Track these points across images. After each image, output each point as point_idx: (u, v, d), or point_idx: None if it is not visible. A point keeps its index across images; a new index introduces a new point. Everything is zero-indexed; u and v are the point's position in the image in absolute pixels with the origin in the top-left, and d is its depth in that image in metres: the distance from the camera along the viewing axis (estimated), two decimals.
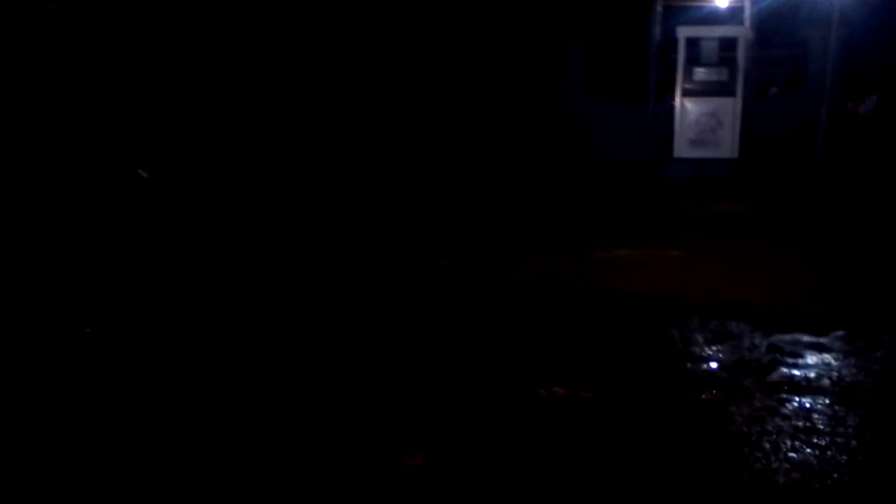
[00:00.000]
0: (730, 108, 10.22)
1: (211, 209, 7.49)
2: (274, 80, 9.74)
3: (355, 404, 3.55)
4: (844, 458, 3.02)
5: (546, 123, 10.89)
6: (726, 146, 10.15)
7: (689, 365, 4.03)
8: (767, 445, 3.11)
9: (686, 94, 10.35)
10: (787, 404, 3.51)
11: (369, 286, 5.61)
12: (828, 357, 4.11)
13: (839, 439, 3.17)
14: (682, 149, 10.30)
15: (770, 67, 11.87)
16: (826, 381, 3.77)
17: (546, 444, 3.13)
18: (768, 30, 11.09)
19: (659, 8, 11.06)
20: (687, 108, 10.32)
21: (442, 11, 10.52)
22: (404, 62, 10.61)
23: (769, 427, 3.28)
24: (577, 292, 5.34)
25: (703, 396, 3.62)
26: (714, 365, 4.02)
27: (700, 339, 4.39)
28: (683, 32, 10.43)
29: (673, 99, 10.50)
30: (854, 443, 3.14)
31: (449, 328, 4.64)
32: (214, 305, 5.12)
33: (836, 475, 2.88)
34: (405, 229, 7.62)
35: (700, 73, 10.33)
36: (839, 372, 3.89)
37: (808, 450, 3.08)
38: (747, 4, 10.66)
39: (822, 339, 4.34)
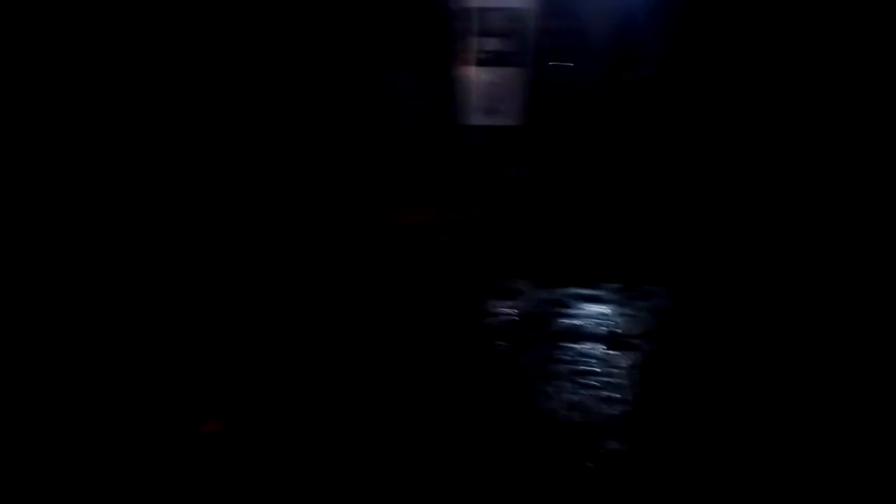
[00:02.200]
0: (519, 77, 10.71)
1: None
2: None
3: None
4: (617, 395, 3.32)
5: (339, 96, 10.78)
6: (517, 115, 10.64)
7: (479, 319, 4.22)
8: (550, 388, 3.35)
9: (477, 63, 10.70)
10: (567, 351, 3.79)
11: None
12: (602, 307, 4.47)
13: (612, 380, 3.48)
14: (473, 117, 10.66)
15: (557, 37, 12.44)
16: (600, 329, 4.11)
17: (345, 399, 3.18)
18: (555, 2, 11.63)
19: None
20: (478, 78, 10.69)
21: None
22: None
23: (551, 372, 3.53)
24: (372, 255, 5.40)
25: (493, 347, 3.82)
26: (502, 318, 4.24)
27: (489, 295, 4.60)
28: (474, 2, 10.73)
29: (465, 68, 10.79)
30: (625, 382, 3.46)
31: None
32: None
33: (608, 411, 3.17)
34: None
35: (490, 43, 10.72)
36: (612, 320, 4.25)
37: (585, 390, 3.35)
38: None
39: (598, 292, 4.72)
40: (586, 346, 3.87)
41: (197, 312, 4.20)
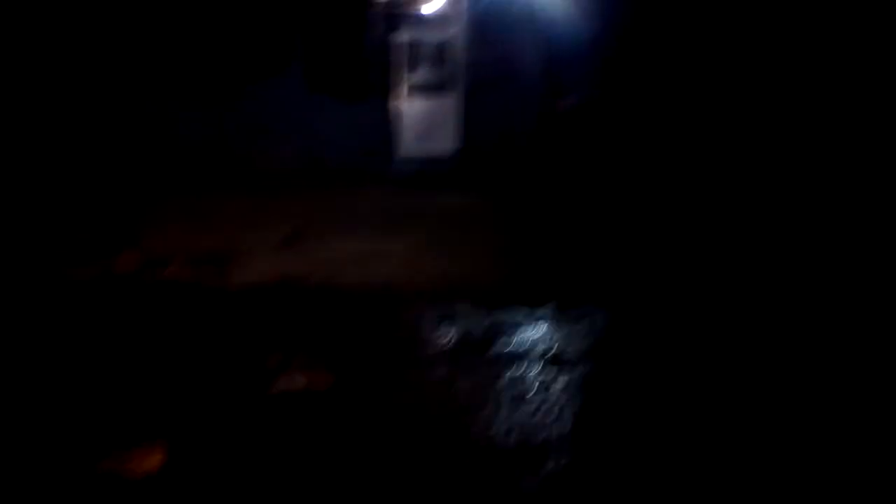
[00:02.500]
0: (450, 106, 10.86)
1: None
2: None
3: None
4: (554, 415, 3.36)
5: (269, 123, 10.73)
6: (448, 143, 10.77)
7: (419, 346, 4.23)
8: (489, 411, 3.38)
9: (409, 93, 10.82)
10: (506, 373, 3.82)
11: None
12: (540, 327, 4.52)
13: (550, 400, 3.52)
14: (406, 146, 10.75)
15: (487, 67, 12.66)
16: (539, 349, 4.16)
17: (286, 431, 3.15)
18: (483, 32, 11.85)
19: (379, 11, 11.40)
20: (410, 107, 10.80)
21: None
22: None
23: (490, 395, 3.56)
24: (311, 287, 5.37)
25: (433, 374, 3.82)
26: (442, 343, 4.26)
27: (429, 321, 4.62)
28: (403, 36, 10.89)
29: (397, 98, 10.89)
30: (562, 401, 3.51)
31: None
32: None
33: (546, 432, 3.21)
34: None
35: (421, 73, 10.87)
36: (550, 340, 4.31)
37: (523, 412, 3.39)
38: (461, 9, 11.35)
39: (536, 312, 4.78)
40: (523, 367, 3.91)
41: None
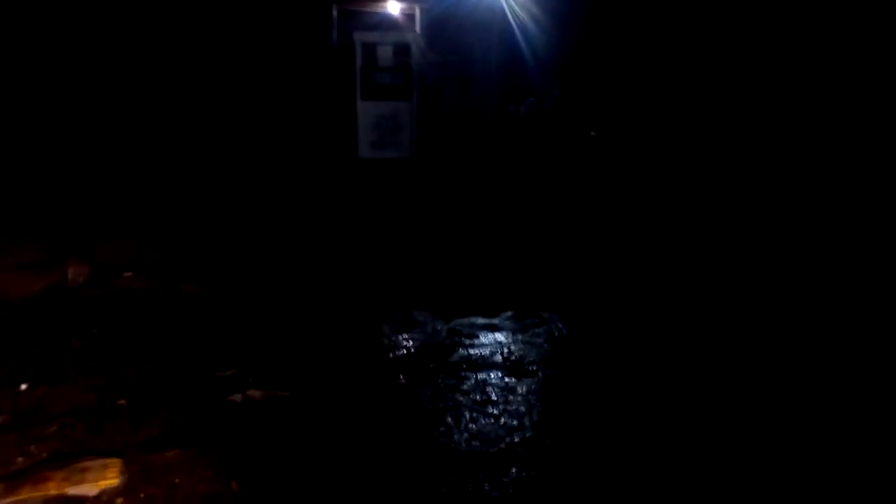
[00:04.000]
0: (406, 110, 10.84)
1: None
2: None
3: None
4: (515, 422, 3.38)
5: (222, 129, 10.60)
6: (405, 147, 10.75)
7: (378, 355, 4.22)
8: (450, 419, 3.39)
9: (365, 97, 10.76)
10: (466, 381, 3.84)
11: None
12: (499, 335, 4.55)
13: (510, 407, 3.55)
14: (364, 150, 10.70)
15: (444, 71, 12.68)
16: (498, 357, 4.19)
17: (246, 443, 3.11)
18: (439, 36, 11.87)
19: (334, 13, 11.34)
20: (366, 112, 10.75)
21: None
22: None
23: (451, 403, 3.57)
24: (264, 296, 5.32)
25: (393, 383, 3.82)
26: (401, 353, 4.25)
27: (388, 330, 4.61)
28: (359, 38, 10.82)
29: (354, 102, 10.84)
30: (522, 409, 3.53)
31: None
32: None
33: (508, 439, 3.23)
34: None
35: (377, 77, 10.81)
36: (509, 347, 4.34)
37: (484, 419, 3.41)
38: (418, 12, 11.34)
39: (494, 320, 4.81)
40: (483, 375, 3.93)
41: None
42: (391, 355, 4.22)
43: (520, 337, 4.54)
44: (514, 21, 11.50)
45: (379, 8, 11.86)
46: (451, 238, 7.26)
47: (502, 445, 3.18)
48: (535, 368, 4.04)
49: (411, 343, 4.40)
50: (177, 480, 2.85)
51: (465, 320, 4.80)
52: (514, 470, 2.98)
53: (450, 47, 12.19)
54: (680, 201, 8.11)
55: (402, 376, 3.90)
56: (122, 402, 3.50)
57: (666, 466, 3.06)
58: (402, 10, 11.80)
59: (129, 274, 5.54)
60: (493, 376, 3.92)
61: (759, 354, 4.29)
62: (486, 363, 4.10)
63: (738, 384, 3.88)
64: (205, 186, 8.81)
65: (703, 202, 7.98)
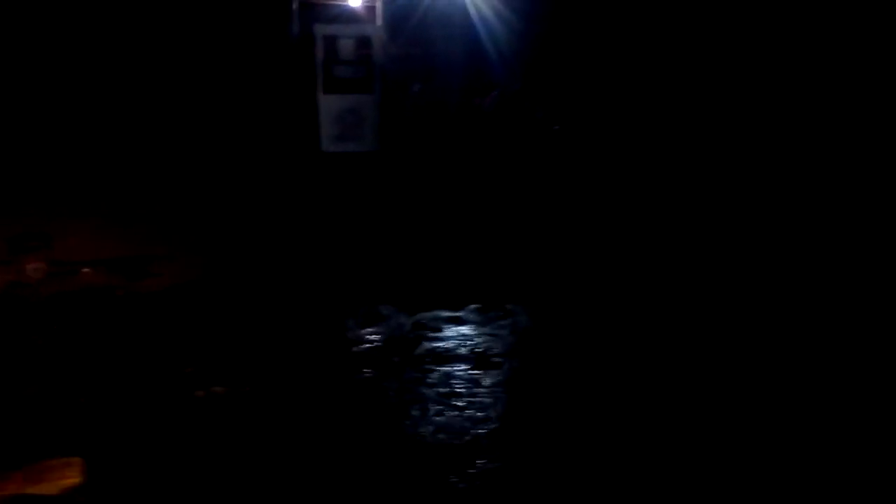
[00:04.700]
0: (369, 103, 10.77)
1: None
2: None
3: None
4: (480, 414, 3.41)
5: (180, 121, 10.43)
6: (368, 141, 10.69)
7: (343, 349, 4.22)
8: (416, 412, 3.40)
9: (327, 90, 10.66)
10: (432, 374, 3.86)
11: None
12: (464, 328, 4.57)
13: (476, 399, 3.57)
14: (327, 144, 10.62)
15: (407, 64, 12.61)
16: (463, 350, 4.21)
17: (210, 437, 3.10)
18: (402, 29, 11.81)
19: (294, 5, 11.23)
20: (329, 105, 10.66)
21: None
22: None
23: (417, 396, 3.58)
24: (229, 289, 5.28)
25: (358, 376, 3.83)
26: (366, 346, 4.26)
27: (352, 324, 4.61)
28: (320, 30, 10.72)
29: (315, 95, 10.75)
30: (488, 400, 3.56)
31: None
32: None
33: (473, 431, 3.25)
34: None
35: (339, 70, 10.73)
36: (474, 340, 4.36)
37: (450, 412, 3.43)
38: (379, 4, 11.27)
39: (459, 313, 4.83)
40: (448, 367, 3.95)
41: None
42: (355, 349, 4.22)
43: (485, 329, 4.56)
44: (477, 15, 11.48)
45: (340, 0, 11.75)
46: (415, 232, 7.25)
47: (468, 437, 3.19)
48: (500, 360, 4.07)
49: (376, 337, 4.40)
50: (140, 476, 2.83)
51: (430, 314, 4.81)
52: (480, 461, 3.00)
53: (412, 40, 12.14)
54: (641, 192, 8.20)
55: (366, 370, 3.90)
56: (83, 399, 3.46)
57: (628, 453, 3.10)
58: (363, 2, 11.70)
59: (87, 270, 5.46)
60: (458, 369, 3.94)
61: (717, 341, 4.36)
62: (451, 356, 4.12)
63: (696, 375, 3.95)
64: (162, 180, 8.68)
65: (664, 192, 8.09)
